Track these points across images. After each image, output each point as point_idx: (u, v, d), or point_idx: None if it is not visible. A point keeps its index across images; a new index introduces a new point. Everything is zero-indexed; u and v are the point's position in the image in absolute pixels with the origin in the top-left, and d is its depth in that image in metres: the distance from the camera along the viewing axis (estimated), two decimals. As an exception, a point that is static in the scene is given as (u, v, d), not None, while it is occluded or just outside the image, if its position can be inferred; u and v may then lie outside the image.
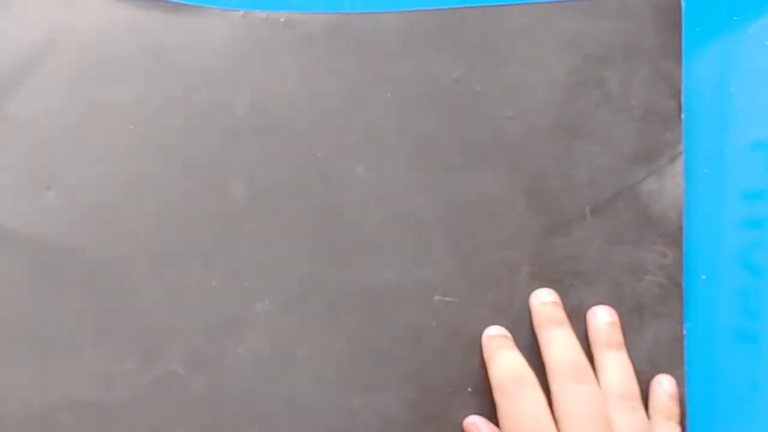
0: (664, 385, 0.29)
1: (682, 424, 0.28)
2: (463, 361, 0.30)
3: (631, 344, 0.30)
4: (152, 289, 0.29)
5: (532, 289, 0.30)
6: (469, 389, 0.30)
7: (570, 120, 0.31)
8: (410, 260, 0.31)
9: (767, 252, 0.31)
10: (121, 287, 0.29)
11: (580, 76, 0.31)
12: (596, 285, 0.30)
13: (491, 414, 0.29)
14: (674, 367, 0.29)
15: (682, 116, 0.30)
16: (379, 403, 0.29)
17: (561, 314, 0.29)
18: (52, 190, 0.29)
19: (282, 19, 0.32)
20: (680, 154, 0.30)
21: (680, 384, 0.29)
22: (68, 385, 0.28)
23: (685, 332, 0.30)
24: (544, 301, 0.30)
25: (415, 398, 0.30)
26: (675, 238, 0.30)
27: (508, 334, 0.30)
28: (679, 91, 0.30)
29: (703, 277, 0.31)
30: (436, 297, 0.30)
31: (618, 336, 0.29)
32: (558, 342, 0.29)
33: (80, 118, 0.30)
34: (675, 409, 0.28)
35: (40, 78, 0.30)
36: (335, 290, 0.30)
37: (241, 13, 0.32)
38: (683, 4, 0.30)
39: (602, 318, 0.29)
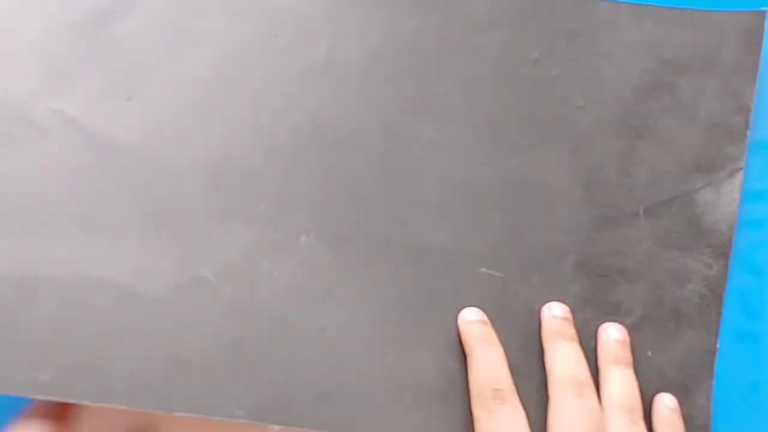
0: (665, 401, 0.29)
1: None
2: (503, 338, 0.29)
3: (663, 349, 0.30)
4: (202, 201, 0.30)
5: (576, 278, 0.30)
6: None
7: (638, 120, 0.31)
8: (460, 227, 0.30)
9: (767, 252, 0.31)
10: (175, 193, 0.30)
11: (654, 79, 0.31)
12: (638, 285, 0.30)
13: (529, 399, 0.28)
14: (703, 379, 0.29)
15: (748, 133, 0.31)
16: (414, 363, 0.29)
17: (571, 330, 0.29)
18: (132, 101, 0.31)
19: (374, -27, 0.32)
20: (740, 169, 0.31)
21: (707, 397, 0.29)
22: (107, 265, 0.29)
23: (717, 346, 0.30)
24: (555, 315, 0.29)
25: (453, 367, 0.29)
26: (723, 250, 0.30)
27: (487, 320, 0.29)
28: (749, 109, 0.31)
29: None
30: (482, 269, 0.30)
31: (626, 354, 0.29)
32: (564, 355, 0.28)
33: (166, 43, 0.32)
34: (679, 423, 0.28)
35: (144, 4, 0.32)
36: (381, 239, 0.30)
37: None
38: (766, 26, 0.31)
39: (612, 335, 0.29)
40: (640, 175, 0.31)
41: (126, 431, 0.28)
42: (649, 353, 0.30)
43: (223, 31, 0.32)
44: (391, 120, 0.31)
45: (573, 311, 0.30)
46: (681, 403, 0.29)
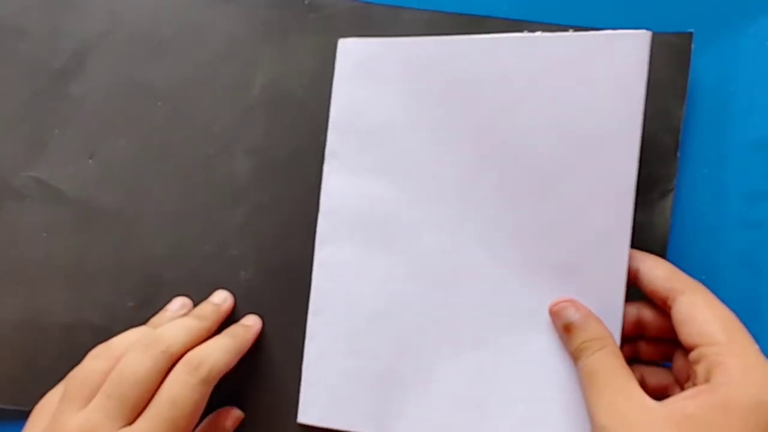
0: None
1: None
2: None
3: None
4: (156, 246, 0.33)
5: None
6: None
7: (570, 142, 0.31)
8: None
9: (767, 252, 0.31)
10: (133, 241, 0.33)
11: (585, 101, 0.32)
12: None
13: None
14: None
15: (678, 154, 0.31)
16: None
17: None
18: (93, 158, 0.33)
19: (306, 1, 0.32)
20: (671, 190, 0.31)
21: None
22: (87, 310, 0.33)
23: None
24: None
25: None
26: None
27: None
28: (678, 130, 0.31)
29: (703, 277, 0.30)
30: None
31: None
32: None
33: (120, 96, 0.33)
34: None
35: (97, 61, 0.33)
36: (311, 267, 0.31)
37: (270, -7, 0.33)
38: (693, 47, 0.31)
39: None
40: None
41: None
42: None
43: (168, 76, 0.33)
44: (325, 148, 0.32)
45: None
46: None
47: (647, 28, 0.28)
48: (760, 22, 0.32)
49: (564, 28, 0.31)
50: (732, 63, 0.32)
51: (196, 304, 0.32)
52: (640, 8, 0.32)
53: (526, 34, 0.29)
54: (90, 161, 0.33)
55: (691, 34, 0.31)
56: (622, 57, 0.27)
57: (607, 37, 0.28)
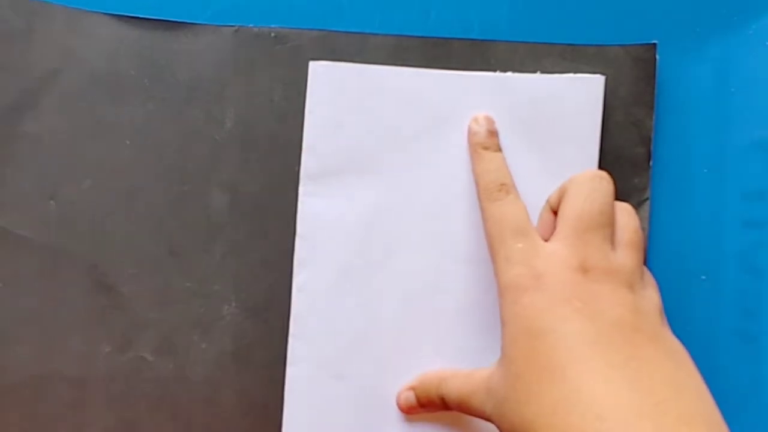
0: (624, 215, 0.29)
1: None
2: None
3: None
4: (133, 288, 0.32)
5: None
6: None
7: (543, 157, 0.32)
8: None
9: (767, 252, 0.31)
10: (106, 284, 0.32)
11: (557, 115, 0.32)
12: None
13: None
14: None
15: (651, 164, 0.31)
16: None
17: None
18: (55, 200, 0.32)
19: (273, 34, 0.32)
20: (647, 200, 0.31)
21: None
22: (58, 360, 0.32)
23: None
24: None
25: None
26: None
27: (495, 130, 0.31)
28: (650, 140, 0.31)
29: (703, 277, 0.30)
30: None
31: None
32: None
33: (82, 135, 0.32)
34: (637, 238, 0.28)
35: (52, 98, 0.32)
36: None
37: (234, 28, 0.32)
38: (657, 57, 0.31)
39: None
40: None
41: None
42: None
43: (133, 114, 0.32)
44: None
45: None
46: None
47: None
48: (760, 22, 0.32)
49: (534, 45, 0.32)
50: (732, 63, 0.32)
51: (180, 344, 0.31)
52: (631, 12, 0.32)
53: (497, 73, 0.31)
54: (51, 203, 0.32)
55: (654, 45, 0.31)
56: (580, 96, 0.31)
57: (568, 79, 0.31)
